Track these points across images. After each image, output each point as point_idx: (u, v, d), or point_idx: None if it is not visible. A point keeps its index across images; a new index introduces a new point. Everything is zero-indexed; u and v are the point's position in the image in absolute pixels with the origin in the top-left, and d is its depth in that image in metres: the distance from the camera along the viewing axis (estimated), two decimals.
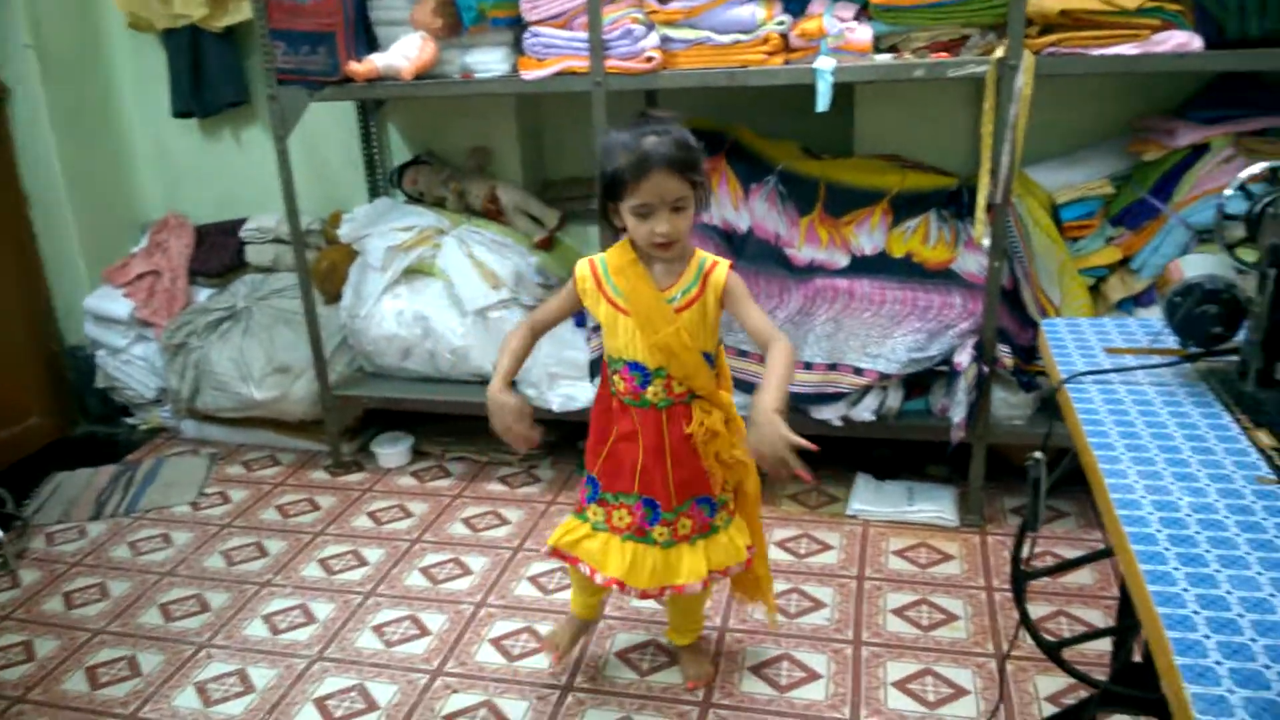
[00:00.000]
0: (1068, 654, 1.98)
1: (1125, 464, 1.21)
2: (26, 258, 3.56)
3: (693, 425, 1.84)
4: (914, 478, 2.89)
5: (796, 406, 2.70)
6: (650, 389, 1.83)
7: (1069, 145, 2.85)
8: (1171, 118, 2.65)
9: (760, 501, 2.02)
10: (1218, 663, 0.87)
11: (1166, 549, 1.03)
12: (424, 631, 2.36)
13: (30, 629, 2.49)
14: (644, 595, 1.94)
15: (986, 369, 2.50)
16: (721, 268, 1.78)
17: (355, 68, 2.70)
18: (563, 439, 3.21)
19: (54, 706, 2.19)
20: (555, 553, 2.02)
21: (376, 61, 2.69)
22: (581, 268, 1.83)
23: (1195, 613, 0.93)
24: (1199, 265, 1.44)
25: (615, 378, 1.86)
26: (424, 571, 2.62)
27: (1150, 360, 1.50)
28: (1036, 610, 2.29)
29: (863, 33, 2.41)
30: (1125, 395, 1.41)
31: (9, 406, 3.46)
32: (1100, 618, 2.27)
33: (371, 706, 2.12)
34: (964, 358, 2.48)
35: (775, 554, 2.60)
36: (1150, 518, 1.09)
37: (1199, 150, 2.55)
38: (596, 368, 2.70)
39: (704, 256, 1.80)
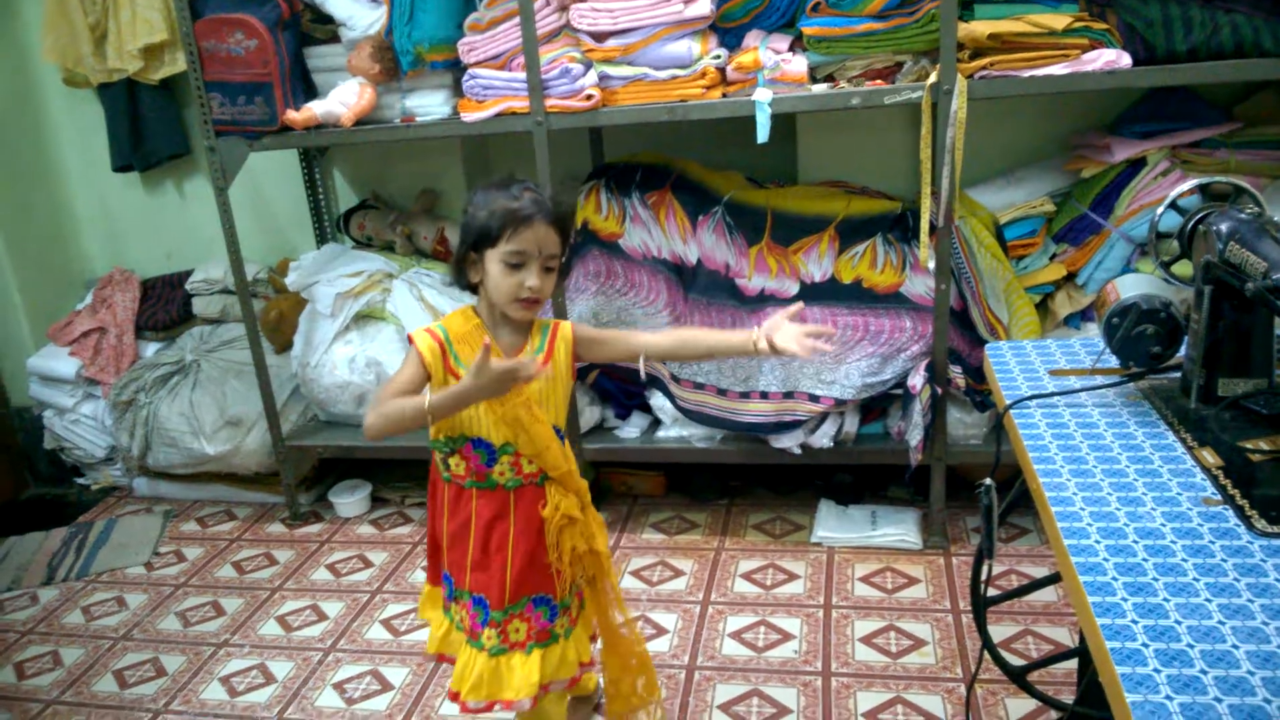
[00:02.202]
0: (1035, 675, 1.98)
1: (1071, 490, 1.21)
2: None
3: (546, 509, 1.67)
4: (877, 501, 2.89)
5: (755, 436, 2.70)
6: (496, 468, 1.65)
7: (1008, 165, 2.89)
8: (1106, 134, 2.69)
9: (617, 600, 1.81)
10: (1169, 697, 0.86)
11: (1115, 579, 1.03)
12: (386, 686, 2.31)
13: None
14: (465, 709, 1.72)
15: (940, 390, 2.51)
16: (564, 324, 1.71)
17: (293, 116, 2.67)
18: None
19: None
20: (441, 658, 1.83)
21: (315, 109, 2.67)
22: (422, 339, 1.62)
23: (1144, 645, 0.93)
24: (1135, 285, 1.45)
25: (453, 460, 1.67)
26: (385, 624, 2.57)
27: (1094, 381, 1.51)
28: (1002, 631, 2.28)
29: (798, 64, 2.43)
30: (1069, 417, 1.42)
31: None
32: (1066, 634, 2.27)
33: None
34: (918, 380, 2.49)
35: (741, 586, 2.58)
36: (1097, 546, 1.09)
37: (1136, 165, 2.59)
38: None
39: (544, 320, 1.70)
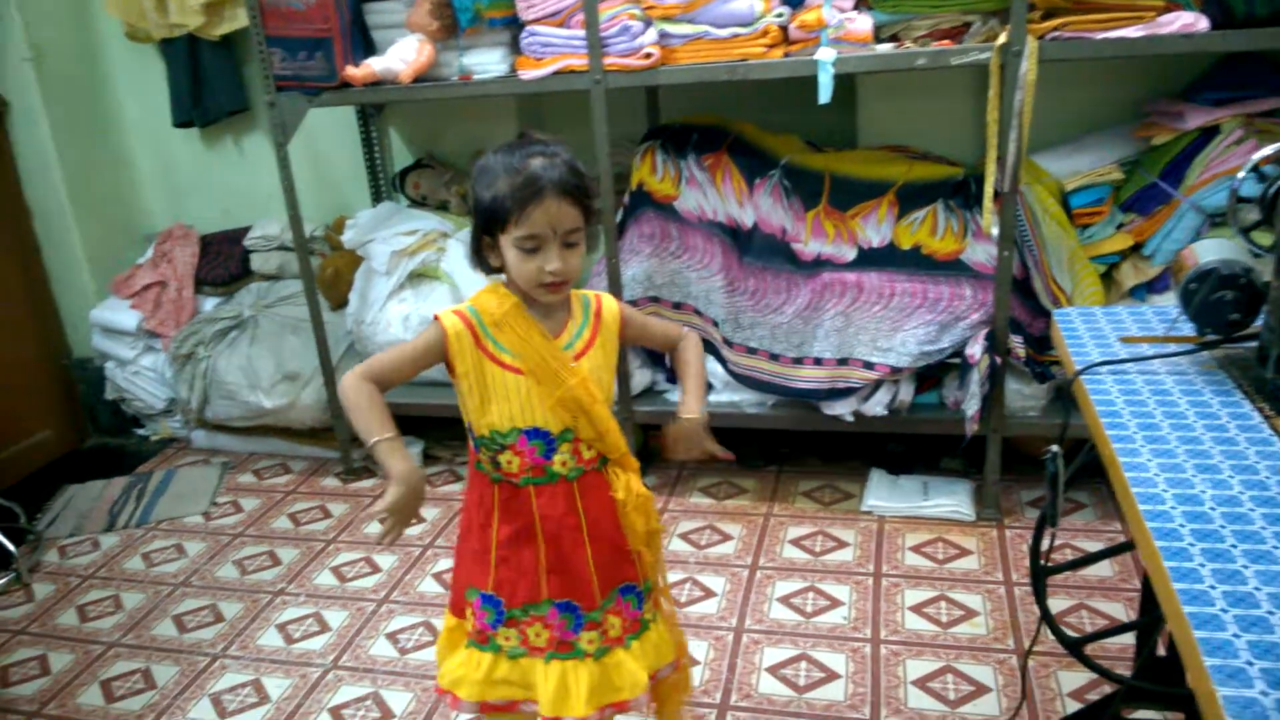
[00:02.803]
0: (1090, 649, 1.95)
1: (1145, 456, 1.18)
2: (32, 272, 3.56)
3: (619, 491, 1.49)
4: (929, 472, 2.87)
5: (807, 402, 2.69)
6: (557, 458, 1.46)
7: (1076, 131, 2.82)
8: (1179, 100, 2.61)
9: (664, 585, 1.66)
10: (1249, 663, 0.84)
11: (1191, 544, 1.01)
12: (438, 638, 2.34)
13: (45, 643, 2.48)
14: None
15: (999, 360, 2.47)
16: (607, 299, 1.52)
17: (352, 72, 2.68)
18: None
19: None
20: (455, 702, 1.56)
21: (374, 66, 2.68)
22: (451, 321, 1.44)
23: (1223, 611, 0.91)
24: (1213, 250, 1.41)
25: (502, 457, 1.46)
26: (436, 577, 2.60)
27: (1167, 349, 1.47)
28: (1057, 604, 2.26)
29: (863, 22, 2.38)
30: (1142, 385, 1.38)
31: (19, 420, 3.46)
32: (1121, 610, 2.24)
33: (387, 715, 2.11)
34: (976, 349, 2.45)
35: (790, 551, 2.58)
36: (1173, 512, 1.07)
37: (1209, 133, 2.52)
38: None
39: (584, 293, 1.53)
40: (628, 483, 1.50)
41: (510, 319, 1.43)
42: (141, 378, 3.55)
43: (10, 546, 2.77)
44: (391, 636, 2.37)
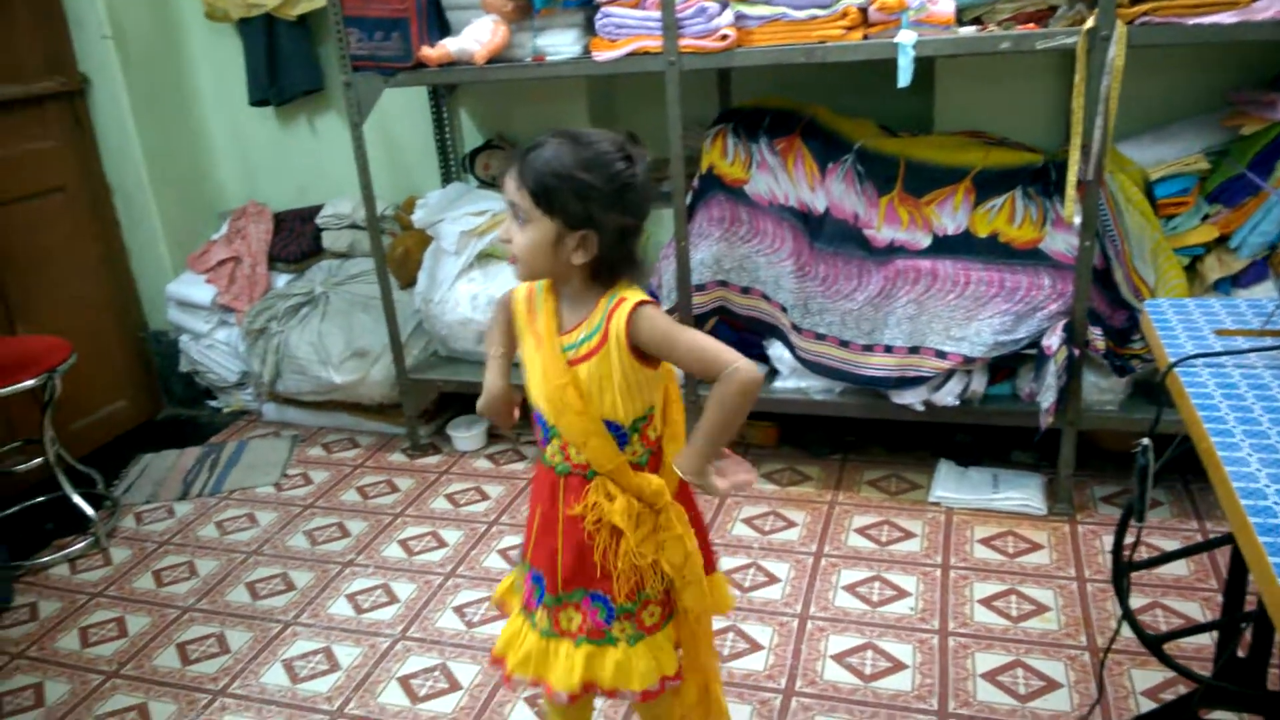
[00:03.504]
0: (1166, 648, 1.92)
1: (1245, 451, 1.15)
2: (111, 246, 3.65)
3: (579, 506, 1.45)
4: (998, 464, 2.82)
5: (876, 390, 2.66)
6: (549, 449, 1.47)
7: (1161, 118, 2.74)
8: (1270, 89, 2.52)
9: (707, 630, 1.58)
10: None
11: None
12: (505, 613, 2.37)
13: (122, 606, 2.56)
14: (508, 682, 1.57)
15: (1077, 352, 2.42)
16: (625, 307, 1.38)
17: (428, 53, 2.70)
18: None
19: (147, 682, 2.25)
20: (507, 680, 1.59)
21: (449, 46, 2.69)
22: (520, 287, 1.51)
23: None
24: None
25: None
26: (501, 553, 2.63)
27: (1263, 343, 1.43)
28: (1132, 602, 2.21)
29: (945, 4, 2.34)
30: (1239, 379, 1.35)
31: (98, 390, 3.55)
32: (1198, 609, 2.19)
33: (454, 686, 2.14)
34: (1053, 340, 2.41)
35: (855, 540, 2.56)
36: (1277, 508, 1.04)
37: None
38: None
39: (615, 293, 1.41)
40: (596, 501, 1.44)
41: (531, 296, 1.49)
42: (215, 351, 3.63)
43: (89, 511, 2.86)
44: (458, 610, 2.40)
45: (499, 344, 1.59)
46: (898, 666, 2.09)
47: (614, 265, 1.40)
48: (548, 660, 1.52)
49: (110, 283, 3.65)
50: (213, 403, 3.79)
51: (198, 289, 3.60)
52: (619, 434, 1.44)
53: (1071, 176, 2.33)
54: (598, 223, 1.35)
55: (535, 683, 1.54)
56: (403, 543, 2.73)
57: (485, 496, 2.94)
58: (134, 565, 2.75)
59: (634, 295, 1.40)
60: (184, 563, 2.74)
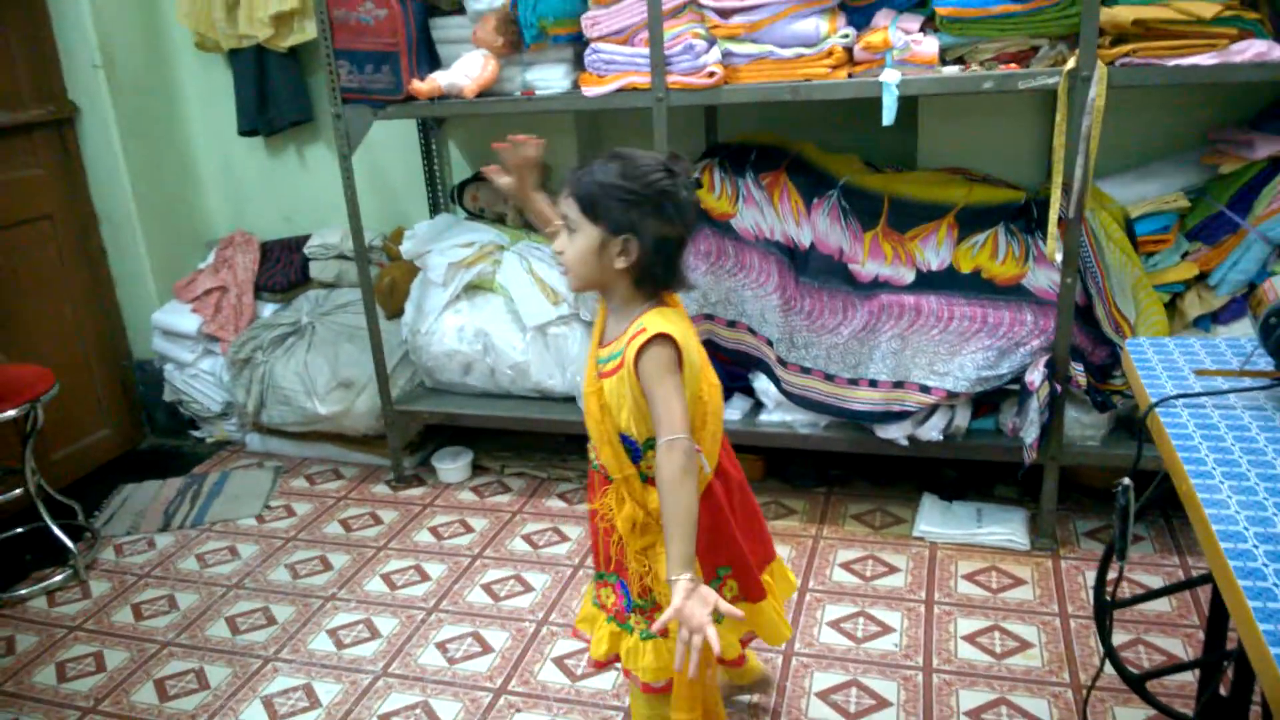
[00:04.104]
0: (1149, 686, 1.91)
1: (1225, 493, 1.16)
2: (98, 274, 3.64)
3: (596, 502, 1.63)
4: (982, 499, 2.83)
5: (861, 424, 2.67)
6: (589, 444, 1.64)
7: (1142, 157, 2.78)
8: (1249, 129, 2.57)
9: (696, 680, 1.57)
10: None
11: (1276, 585, 0.98)
12: (487, 648, 2.36)
13: (101, 640, 2.53)
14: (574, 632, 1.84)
15: (1059, 388, 2.44)
16: (640, 340, 1.47)
17: (418, 86, 2.72)
18: None
19: (124, 718, 2.22)
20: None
21: (439, 80, 2.71)
22: None
23: None
24: None
25: None
26: (485, 588, 2.61)
27: (1243, 383, 1.44)
28: (1115, 639, 2.22)
29: (929, 45, 2.37)
30: (1219, 419, 1.36)
31: (80, 419, 3.53)
32: (1180, 646, 2.19)
33: None
34: (1036, 376, 2.42)
35: (840, 575, 2.55)
36: (1255, 551, 1.04)
37: (1278, 162, 2.47)
38: None
39: (647, 318, 1.51)
40: (609, 503, 1.60)
41: (598, 308, 1.65)
42: (199, 381, 3.62)
43: (68, 543, 2.83)
44: (441, 646, 2.38)
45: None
46: (882, 704, 2.08)
47: (655, 273, 1.52)
48: (592, 627, 1.76)
49: (96, 311, 3.64)
50: (196, 433, 3.77)
51: (183, 318, 3.58)
52: (633, 448, 1.56)
53: (1053, 214, 2.35)
54: (638, 229, 1.48)
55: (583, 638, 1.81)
56: (385, 576, 2.71)
57: (469, 529, 2.93)
58: (113, 598, 2.72)
59: (654, 326, 1.48)
60: (164, 596, 2.71)
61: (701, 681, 1.61)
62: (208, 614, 2.61)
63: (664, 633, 1.61)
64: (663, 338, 1.47)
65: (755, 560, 1.72)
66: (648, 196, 1.47)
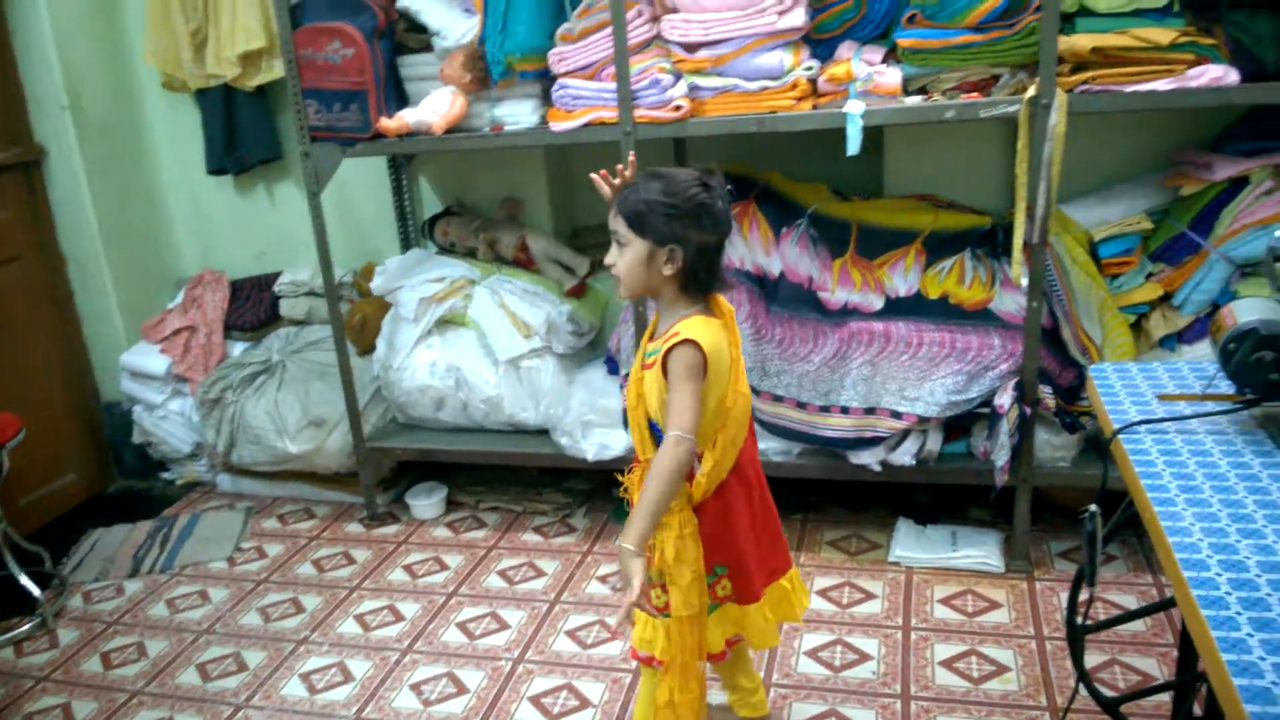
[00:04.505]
0: (1125, 707, 1.92)
1: (1188, 520, 1.17)
2: (65, 316, 3.60)
3: (627, 478, 1.80)
4: (957, 522, 2.84)
5: (834, 451, 2.67)
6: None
7: (1104, 181, 2.82)
8: (1208, 151, 2.61)
9: (691, 643, 1.73)
10: None
11: (1238, 614, 0.99)
12: (462, 689, 2.33)
13: (69, 690, 2.48)
14: None
15: (1029, 410, 2.45)
16: (674, 340, 1.62)
17: (386, 124, 2.72)
18: (597, 488, 3.19)
19: None
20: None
21: (407, 117, 2.72)
22: None
23: (1274, 683, 0.89)
24: (1253, 309, 1.40)
25: None
26: (461, 626, 2.59)
27: (1205, 407, 1.46)
28: (1090, 660, 2.22)
29: (892, 76, 2.40)
30: (1181, 444, 1.37)
31: (46, 463, 3.48)
32: (1155, 666, 2.20)
33: None
34: (1005, 399, 2.44)
35: (817, 603, 2.55)
36: (1219, 579, 1.05)
37: (1238, 184, 2.51)
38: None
39: (686, 323, 1.65)
40: (636, 484, 1.72)
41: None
42: (169, 422, 3.58)
43: (35, 591, 2.78)
44: (415, 688, 2.35)
45: None
46: None
47: (699, 277, 1.66)
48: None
49: (63, 353, 3.60)
50: (166, 475, 3.72)
51: (152, 359, 3.55)
52: (657, 435, 1.70)
53: (1018, 239, 2.38)
54: (682, 239, 1.62)
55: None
56: (359, 618, 2.68)
57: (444, 566, 2.90)
58: (81, 647, 2.67)
59: (688, 331, 1.62)
60: (133, 644, 2.67)
61: (682, 659, 1.71)
62: (178, 661, 2.56)
63: (656, 610, 1.73)
64: (691, 343, 1.61)
65: (759, 566, 1.79)
66: (689, 210, 1.62)
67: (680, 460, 1.59)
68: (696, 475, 1.68)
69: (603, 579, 2.75)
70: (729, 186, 1.69)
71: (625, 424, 1.84)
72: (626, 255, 1.66)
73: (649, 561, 1.68)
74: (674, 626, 1.70)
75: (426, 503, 3.20)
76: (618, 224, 1.66)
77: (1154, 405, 1.50)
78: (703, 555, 1.70)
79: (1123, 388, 1.57)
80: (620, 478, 1.83)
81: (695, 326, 1.64)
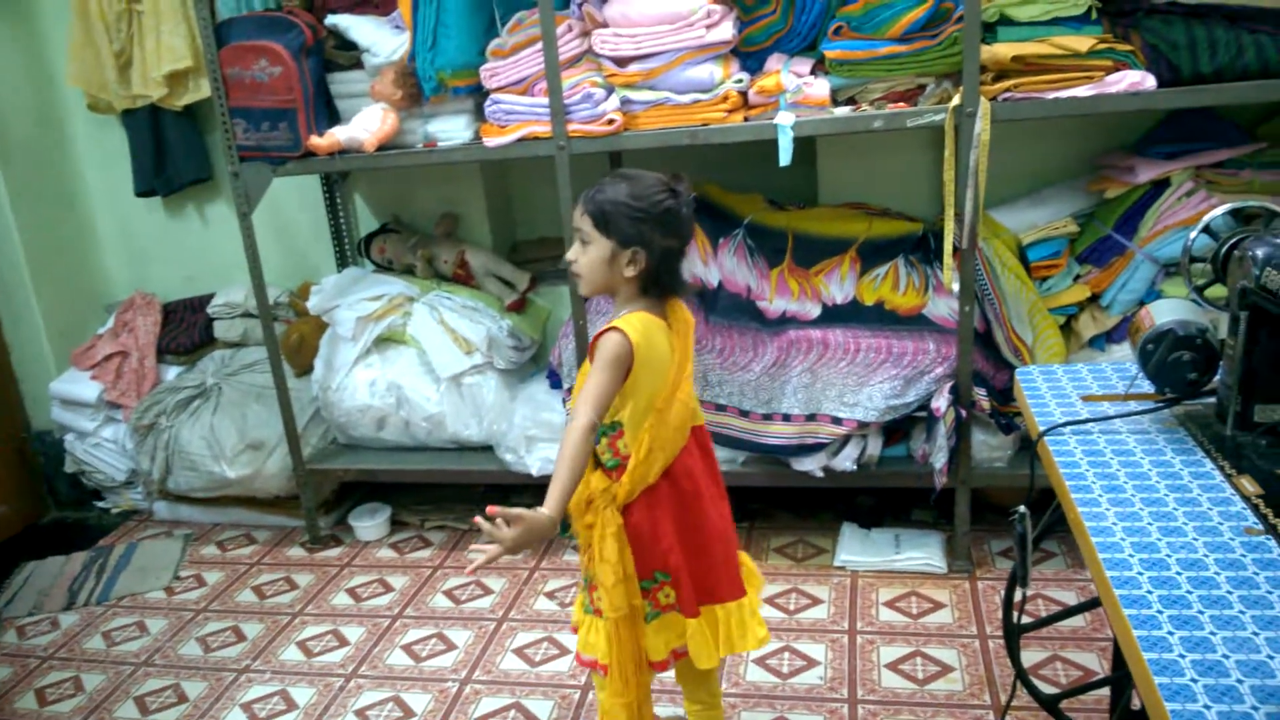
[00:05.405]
0: (1066, 703, 1.95)
1: (1111, 520, 1.19)
2: None
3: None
4: (900, 524, 2.87)
5: (777, 458, 2.69)
6: None
7: (1032, 186, 2.88)
8: (1131, 154, 2.68)
9: (629, 648, 1.73)
10: None
11: (1159, 612, 1.01)
12: (409, 713, 2.30)
13: None
14: None
15: (964, 413, 2.49)
16: (606, 328, 1.64)
17: (317, 142, 2.69)
18: (542, 503, 3.17)
19: None
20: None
21: (338, 135, 2.69)
22: None
23: (1193, 680, 0.91)
24: (1170, 310, 1.44)
25: None
26: (406, 649, 2.56)
27: (1127, 407, 1.49)
28: (1031, 657, 2.26)
29: (820, 87, 2.43)
30: (1104, 444, 1.40)
31: None
32: (1095, 660, 2.24)
33: None
34: (941, 402, 2.47)
35: (764, 611, 2.55)
36: (1140, 578, 1.07)
37: (1160, 185, 2.58)
38: None
39: (625, 317, 1.66)
40: (590, 478, 1.69)
41: None
42: (102, 450, 3.49)
43: None
44: (360, 714, 2.32)
45: None
46: None
47: (660, 279, 1.68)
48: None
49: None
50: (101, 504, 3.63)
51: (83, 386, 3.46)
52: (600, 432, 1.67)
53: (948, 245, 2.42)
54: (646, 242, 1.63)
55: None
56: (301, 644, 2.63)
57: (389, 588, 2.87)
58: (15, 684, 2.59)
59: (622, 324, 1.63)
60: (69, 679, 2.59)
61: (618, 662, 1.71)
62: (115, 695, 2.50)
63: (596, 612, 1.73)
64: (618, 332, 1.62)
65: (694, 582, 1.75)
66: (655, 215, 1.63)
67: (583, 434, 1.56)
68: (623, 475, 1.67)
69: (550, 595, 2.74)
70: (694, 194, 1.70)
71: None
72: (590, 253, 1.67)
73: (586, 561, 1.71)
74: (609, 629, 1.70)
75: (370, 524, 3.16)
76: (583, 221, 1.67)
77: (1079, 406, 1.53)
78: (634, 559, 1.69)
79: (1048, 389, 1.60)
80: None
81: (631, 320, 1.65)
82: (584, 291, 1.75)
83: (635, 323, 1.64)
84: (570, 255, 1.71)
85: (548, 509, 1.53)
